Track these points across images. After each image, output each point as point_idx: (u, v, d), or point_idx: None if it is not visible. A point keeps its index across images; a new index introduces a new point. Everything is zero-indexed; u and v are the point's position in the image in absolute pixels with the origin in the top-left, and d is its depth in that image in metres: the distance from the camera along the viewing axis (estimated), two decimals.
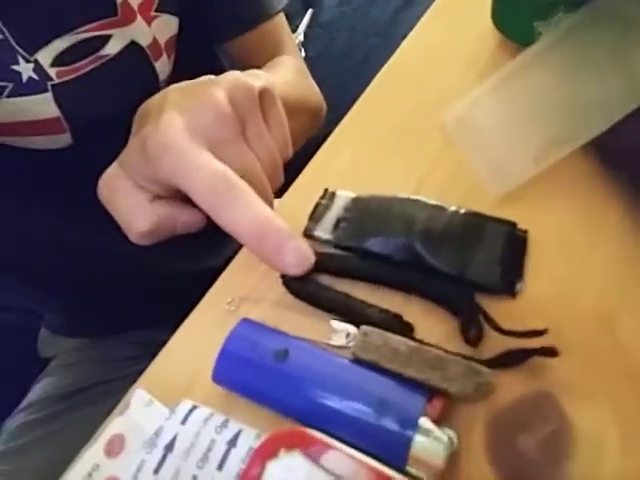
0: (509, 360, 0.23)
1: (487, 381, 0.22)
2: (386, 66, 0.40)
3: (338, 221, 0.30)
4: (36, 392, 0.58)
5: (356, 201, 0.30)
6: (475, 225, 0.27)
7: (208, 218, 0.26)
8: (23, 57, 0.35)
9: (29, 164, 0.40)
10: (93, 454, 0.24)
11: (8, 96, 0.35)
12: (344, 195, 0.31)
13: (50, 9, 0.35)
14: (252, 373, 0.24)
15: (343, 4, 1.62)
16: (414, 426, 0.21)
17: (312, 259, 0.26)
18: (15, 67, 0.35)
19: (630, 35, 0.27)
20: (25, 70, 0.35)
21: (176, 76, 0.45)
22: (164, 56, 0.43)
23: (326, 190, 0.32)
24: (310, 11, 1.61)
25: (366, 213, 0.29)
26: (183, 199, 0.27)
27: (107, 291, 0.54)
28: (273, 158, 0.31)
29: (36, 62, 0.35)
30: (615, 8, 0.28)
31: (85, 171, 0.41)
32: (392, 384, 0.22)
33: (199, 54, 0.50)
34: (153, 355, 0.29)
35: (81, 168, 0.41)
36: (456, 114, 0.32)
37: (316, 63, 1.40)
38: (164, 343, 0.32)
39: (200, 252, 0.56)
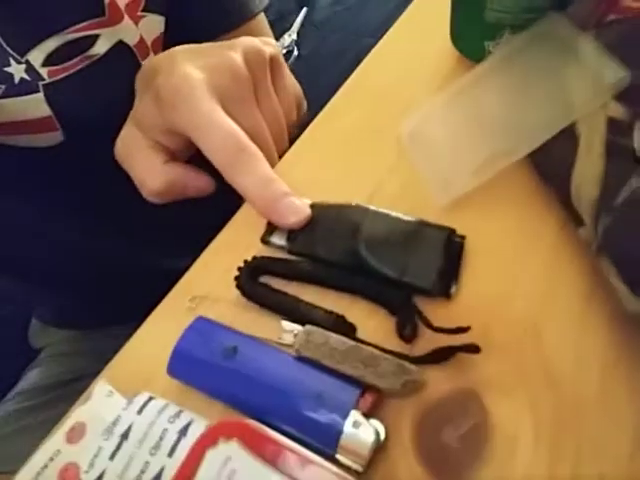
0: (436, 357, 0.25)
1: (415, 378, 0.24)
2: (351, 78, 0.42)
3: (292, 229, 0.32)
4: (24, 382, 0.59)
5: (311, 208, 0.32)
6: (415, 231, 0.29)
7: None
8: (14, 58, 0.36)
9: (21, 161, 0.41)
10: (56, 440, 0.26)
11: (0, 98, 0.36)
12: None
13: (39, 10, 0.36)
14: (203, 368, 0.26)
15: (336, 4, 1.62)
16: (345, 417, 0.23)
17: (307, 212, 0.30)
18: (7, 69, 0.36)
19: (565, 58, 0.29)
20: (17, 72, 0.36)
21: None
22: (151, 55, 0.44)
23: None
24: (304, 10, 1.61)
25: (318, 221, 0.31)
26: (195, 165, 0.29)
27: (101, 285, 0.56)
28: (279, 121, 0.33)
29: (27, 63, 0.36)
30: (554, 31, 0.30)
31: (77, 168, 0.42)
32: (329, 379, 0.24)
33: None
34: None
35: (73, 165, 0.42)
36: (410, 127, 0.34)
37: (308, 62, 1.41)
38: None
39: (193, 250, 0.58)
